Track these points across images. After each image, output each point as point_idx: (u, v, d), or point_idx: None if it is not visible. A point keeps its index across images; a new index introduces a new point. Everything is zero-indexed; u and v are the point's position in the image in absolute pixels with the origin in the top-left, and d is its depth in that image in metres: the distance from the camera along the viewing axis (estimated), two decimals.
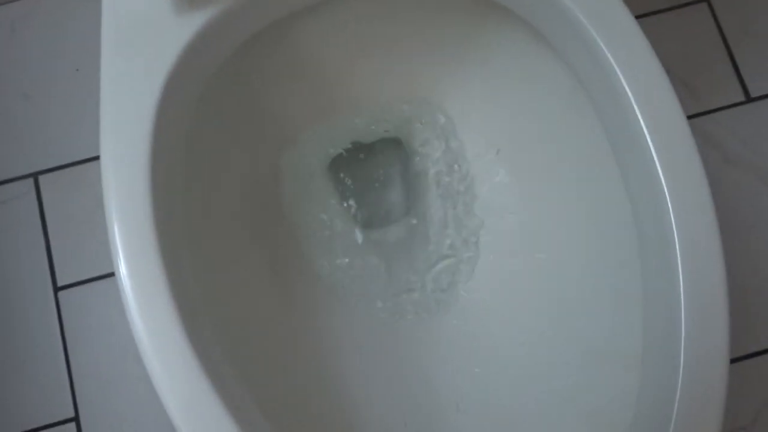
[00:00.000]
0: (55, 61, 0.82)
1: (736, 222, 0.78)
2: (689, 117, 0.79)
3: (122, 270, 0.45)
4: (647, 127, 0.47)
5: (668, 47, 0.81)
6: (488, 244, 0.65)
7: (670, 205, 0.45)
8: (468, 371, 0.61)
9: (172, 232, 0.47)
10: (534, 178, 0.63)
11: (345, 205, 0.68)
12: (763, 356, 0.75)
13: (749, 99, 0.82)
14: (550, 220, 0.62)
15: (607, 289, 0.55)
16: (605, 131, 0.52)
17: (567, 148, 0.60)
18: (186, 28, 0.49)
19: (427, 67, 0.66)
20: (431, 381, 0.61)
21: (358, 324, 0.64)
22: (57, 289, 0.77)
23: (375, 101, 0.67)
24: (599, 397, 0.53)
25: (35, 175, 0.80)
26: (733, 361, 0.73)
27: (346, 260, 0.66)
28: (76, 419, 0.74)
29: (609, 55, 0.48)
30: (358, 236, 0.67)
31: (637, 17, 0.50)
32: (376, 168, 0.70)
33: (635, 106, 0.47)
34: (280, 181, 0.66)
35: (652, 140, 0.46)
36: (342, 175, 0.69)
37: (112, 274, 0.76)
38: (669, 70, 0.48)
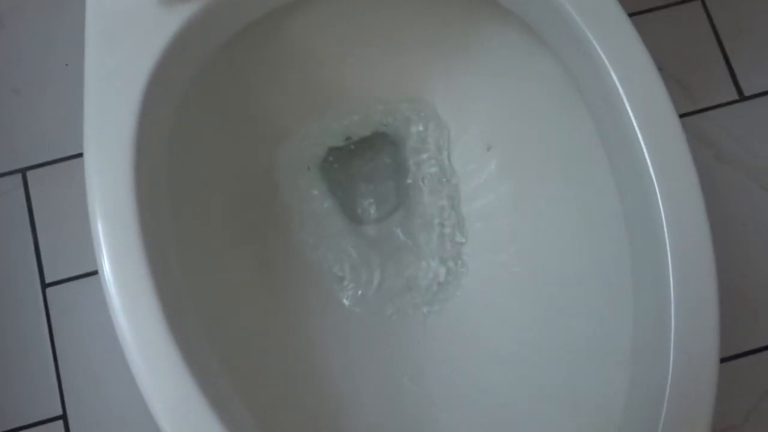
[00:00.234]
0: (44, 56, 0.82)
1: (728, 220, 0.78)
2: (682, 115, 0.79)
3: (106, 268, 0.44)
4: (639, 125, 0.46)
5: (662, 45, 0.81)
6: (480, 241, 0.64)
7: (660, 204, 0.45)
8: (459, 369, 0.61)
9: (157, 229, 0.47)
10: (525, 175, 0.63)
11: (336, 200, 0.68)
12: (755, 355, 0.75)
13: (743, 97, 0.81)
14: (541, 217, 0.61)
15: (599, 287, 0.55)
16: (597, 129, 0.52)
17: (559, 145, 0.60)
18: (172, 20, 0.48)
19: (420, 63, 0.66)
20: (423, 379, 0.61)
21: (349, 321, 0.64)
22: (45, 286, 0.77)
23: (367, 97, 0.67)
24: (590, 396, 0.53)
25: (23, 171, 0.79)
26: (724, 359, 0.73)
27: (338, 256, 0.65)
28: (63, 417, 0.74)
29: (601, 53, 0.48)
30: (350, 232, 0.67)
31: (631, 15, 0.49)
32: (368, 163, 0.69)
33: (627, 104, 0.47)
34: (271, 177, 0.66)
35: (643, 138, 0.46)
36: (334, 170, 0.69)
37: None
38: (662, 68, 0.48)
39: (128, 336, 0.43)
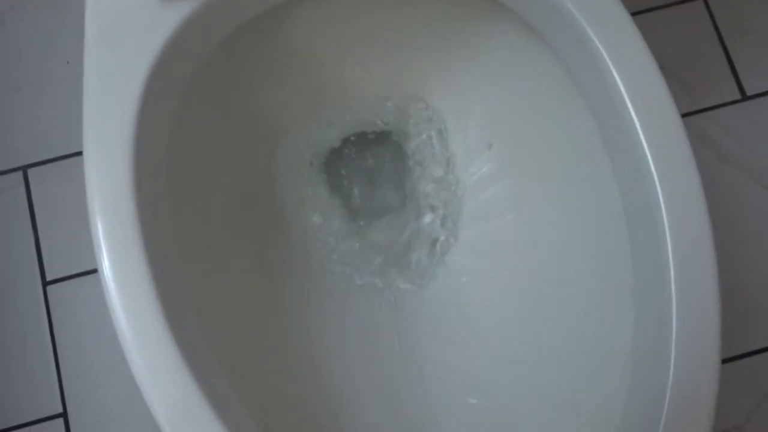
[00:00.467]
0: (45, 54, 0.82)
1: (729, 220, 0.78)
2: (684, 115, 0.79)
3: (105, 267, 0.44)
4: (641, 124, 0.46)
5: (664, 44, 0.81)
6: (479, 240, 0.64)
7: (662, 204, 0.45)
8: (459, 369, 0.61)
9: (157, 227, 0.46)
10: (524, 173, 0.63)
11: (337, 198, 0.68)
12: (757, 356, 0.75)
13: (745, 97, 0.81)
14: (541, 216, 0.61)
15: (598, 286, 0.55)
16: (599, 128, 0.52)
17: (560, 144, 0.59)
18: (171, 17, 0.48)
19: (419, 61, 0.65)
20: (423, 379, 0.61)
21: (349, 321, 0.64)
22: (46, 284, 0.77)
23: (367, 96, 0.67)
24: (590, 396, 0.53)
25: (24, 169, 0.79)
26: (726, 360, 0.73)
27: (338, 254, 0.65)
28: (64, 415, 0.74)
29: (603, 52, 0.48)
30: (351, 229, 0.67)
31: (633, 14, 0.49)
32: (368, 162, 0.69)
33: (629, 103, 0.47)
34: (271, 175, 0.66)
35: (645, 138, 0.46)
36: (334, 168, 0.69)
37: None
38: (664, 67, 0.48)
39: (128, 335, 0.43)
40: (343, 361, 0.61)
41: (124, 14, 0.49)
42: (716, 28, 0.83)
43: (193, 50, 0.52)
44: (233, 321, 0.56)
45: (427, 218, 0.66)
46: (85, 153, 0.47)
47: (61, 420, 0.74)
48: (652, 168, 0.46)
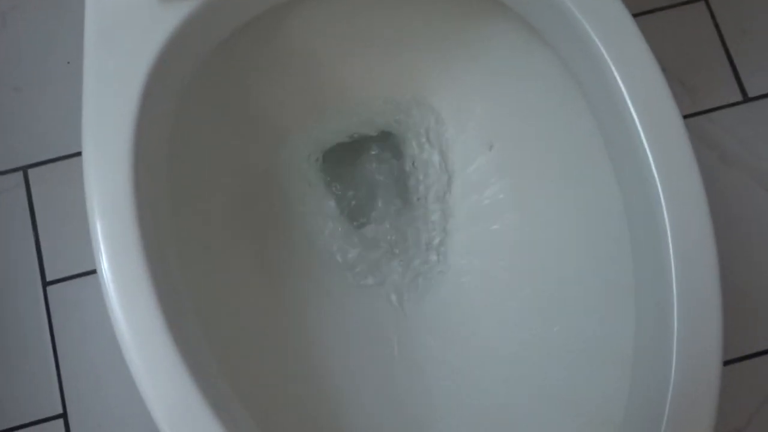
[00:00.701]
0: (46, 54, 0.82)
1: (731, 222, 0.78)
2: (686, 116, 0.79)
3: (104, 267, 0.44)
4: (642, 125, 0.46)
5: (665, 45, 0.81)
6: (479, 240, 0.64)
7: (663, 204, 0.45)
8: (459, 369, 0.61)
9: (157, 228, 0.46)
10: (524, 173, 0.63)
11: (337, 198, 0.68)
12: (759, 358, 0.75)
13: (746, 99, 0.81)
14: (543, 216, 0.61)
15: (598, 286, 0.55)
16: (600, 129, 0.52)
17: (560, 144, 0.59)
18: (171, 16, 0.48)
19: (420, 62, 0.65)
20: (423, 379, 0.61)
21: (349, 320, 0.64)
22: (46, 284, 0.77)
23: (367, 96, 0.67)
24: (590, 396, 0.53)
25: (24, 169, 0.79)
26: (727, 362, 0.73)
27: (338, 254, 0.65)
28: (64, 416, 0.74)
29: (604, 53, 0.48)
30: (351, 229, 0.66)
31: (635, 15, 0.49)
32: (368, 162, 0.69)
33: (630, 104, 0.47)
34: (271, 175, 0.66)
35: (646, 139, 0.46)
36: (334, 169, 0.69)
37: None
38: (666, 69, 0.48)
39: (127, 336, 0.43)
40: (343, 361, 0.61)
41: (124, 14, 0.49)
42: (718, 29, 0.83)
43: (192, 50, 0.52)
44: (233, 321, 0.56)
45: (427, 218, 0.66)
46: (84, 153, 0.46)
47: (61, 421, 0.74)
48: (654, 169, 0.45)
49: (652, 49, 0.48)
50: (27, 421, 0.74)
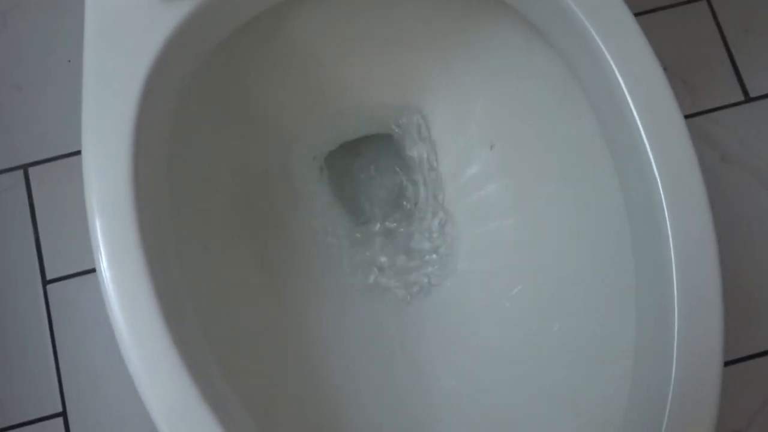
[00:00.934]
0: (46, 53, 0.82)
1: (733, 221, 0.78)
2: (688, 116, 0.79)
3: (103, 267, 0.44)
4: (643, 125, 0.46)
5: (667, 45, 0.81)
6: (479, 239, 0.64)
7: (664, 204, 0.45)
8: (459, 369, 0.61)
9: (156, 227, 0.46)
10: (525, 173, 0.63)
11: (337, 198, 0.68)
12: (760, 359, 0.75)
13: (748, 98, 0.81)
14: (543, 216, 0.61)
15: (598, 286, 0.55)
16: (601, 128, 0.52)
17: (560, 144, 0.59)
18: (171, 16, 0.48)
19: (420, 61, 0.65)
20: (423, 379, 0.61)
21: (349, 320, 0.64)
22: (46, 283, 0.77)
23: (368, 95, 0.67)
24: (590, 396, 0.53)
25: (25, 167, 0.79)
26: (728, 363, 0.73)
27: (338, 254, 0.65)
28: (63, 414, 0.74)
29: (606, 52, 0.47)
30: (351, 230, 0.66)
31: (637, 15, 0.49)
32: (368, 163, 0.69)
33: (631, 104, 0.46)
34: (271, 175, 0.66)
35: (648, 139, 0.46)
36: (334, 169, 0.69)
37: None
38: (667, 68, 0.48)
39: (126, 335, 0.43)
40: (343, 361, 0.61)
41: (124, 14, 0.49)
42: (720, 29, 0.83)
43: (192, 50, 0.52)
44: (233, 321, 0.56)
45: (428, 218, 0.66)
46: (83, 152, 0.46)
47: (60, 419, 0.74)
48: (655, 169, 0.45)
49: (653, 48, 0.48)
50: (27, 419, 0.74)
